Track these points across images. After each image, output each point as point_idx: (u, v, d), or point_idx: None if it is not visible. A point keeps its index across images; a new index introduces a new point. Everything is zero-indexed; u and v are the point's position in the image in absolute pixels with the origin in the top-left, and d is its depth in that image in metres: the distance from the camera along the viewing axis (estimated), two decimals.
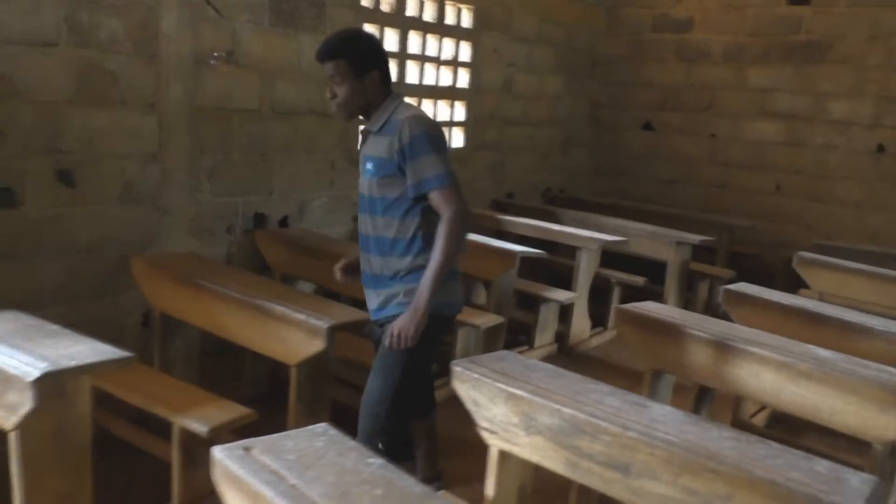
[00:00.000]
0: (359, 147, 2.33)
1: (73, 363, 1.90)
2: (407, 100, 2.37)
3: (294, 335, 2.57)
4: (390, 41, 4.50)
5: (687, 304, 4.97)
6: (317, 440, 1.68)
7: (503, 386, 1.99)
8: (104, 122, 3.10)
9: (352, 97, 2.20)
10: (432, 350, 2.45)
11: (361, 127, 2.30)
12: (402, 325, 2.21)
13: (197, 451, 2.42)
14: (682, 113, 6.31)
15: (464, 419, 2.13)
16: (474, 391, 2.06)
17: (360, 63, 2.18)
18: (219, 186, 3.61)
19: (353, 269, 2.49)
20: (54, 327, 2.21)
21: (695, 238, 4.76)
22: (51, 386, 1.85)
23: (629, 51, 6.50)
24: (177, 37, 3.32)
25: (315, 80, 3.95)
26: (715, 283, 4.99)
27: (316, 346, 2.55)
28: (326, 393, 2.72)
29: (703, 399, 2.93)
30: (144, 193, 3.30)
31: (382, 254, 2.29)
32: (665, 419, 1.85)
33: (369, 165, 2.25)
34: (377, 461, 1.60)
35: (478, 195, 5.37)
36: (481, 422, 2.07)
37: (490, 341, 3.73)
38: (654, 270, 4.90)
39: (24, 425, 1.90)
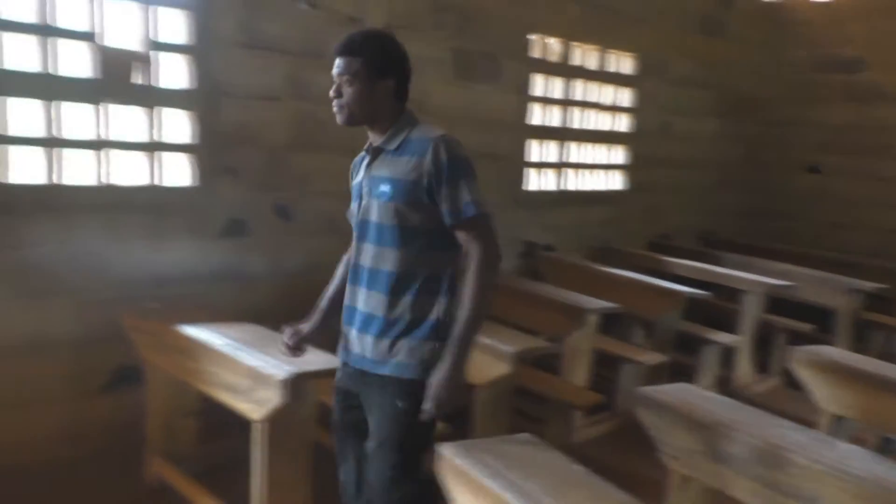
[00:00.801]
0: (360, 167, 2.03)
1: (311, 368, 2.26)
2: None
3: (482, 359, 2.83)
4: (557, 89, 4.78)
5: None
6: (525, 446, 1.91)
7: (688, 414, 2.13)
8: (315, 164, 3.56)
9: (359, 101, 1.89)
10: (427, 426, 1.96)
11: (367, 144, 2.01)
12: (440, 396, 1.85)
13: None
14: (849, 154, 6.11)
15: (630, 451, 2.26)
16: (658, 418, 2.22)
17: (378, 67, 1.89)
18: None
19: (302, 341, 2.14)
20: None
21: (869, 285, 4.60)
22: (295, 386, 2.21)
23: (791, 91, 6.40)
24: None
25: (487, 125, 4.29)
26: (892, 335, 4.78)
27: (501, 369, 2.79)
28: (506, 413, 2.96)
29: (886, 449, 2.89)
30: (344, 226, 3.71)
31: (380, 290, 1.93)
32: (853, 456, 1.92)
33: (384, 188, 1.90)
34: (580, 468, 1.81)
35: (633, 236, 5.48)
36: (663, 447, 2.21)
37: (652, 380, 3.82)
38: (819, 318, 4.78)
39: (270, 418, 2.27)
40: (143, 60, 2.98)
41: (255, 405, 2.28)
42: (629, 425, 3.67)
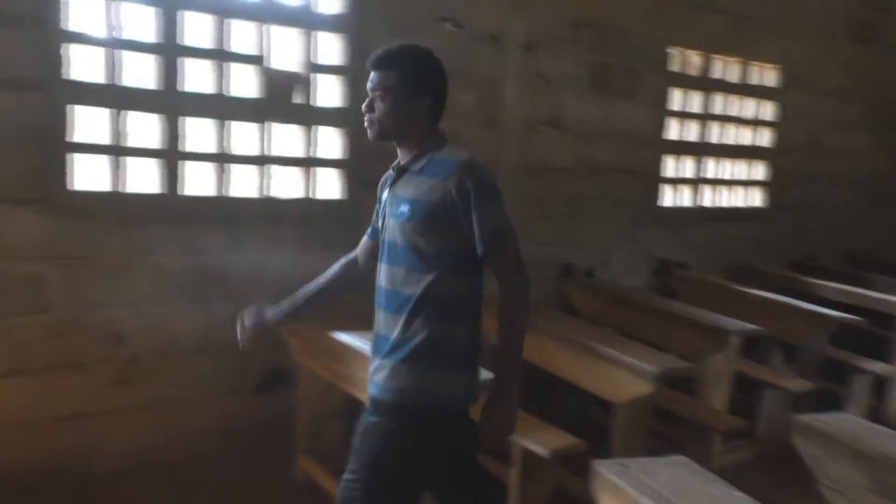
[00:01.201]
0: (386, 185, 1.96)
1: None
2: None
3: (623, 376, 2.80)
4: (695, 103, 4.66)
5: None
6: (679, 468, 1.88)
7: (854, 446, 2.02)
8: None
9: (391, 116, 1.82)
10: (433, 458, 1.88)
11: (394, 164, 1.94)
12: (495, 422, 1.85)
13: (534, 470, 2.73)
14: None
15: (776, 481, 2.16)
16: (819, 448, 2.11)
17: (413, 82, 1.82)
18: (537, 238, 4.01)
19: (260, 326, 2.14)
20: None
21: None
22: None
23: None
24: (514, 106, 3.81)
25: (623, 140, 4.25)
26: None
27: (643, 388, 2.76)
28: (643, 433, 2.91)
29: None
30: None
31: (393, 312, 1.86)
32: None
33: (404, 208, 1.83)
34: (740, 494, 1.76)
35: (773, 255, 5.23)
36: (823, 480, 2.11)
37: (798, 407, 3.62)
38: None
39: None
40: (303, 81, 3.18)
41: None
42: (772, 453, 3.52)
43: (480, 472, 2.04)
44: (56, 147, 2.66)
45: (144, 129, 2.89)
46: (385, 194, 1.95)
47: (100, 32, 2.73)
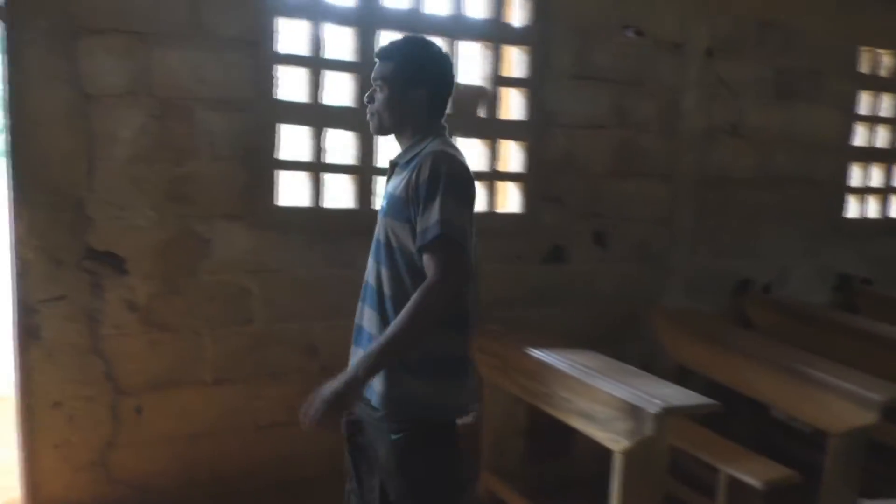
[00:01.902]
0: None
1: (681, 403, 2.22)
2: (454, 140, 1.89)
3: (839, 404, 2.60)
4: (886, 107, 4.31)
5: None
6: None
7: None
8: (631, 190, 3.55)
9: (385, 108, 1.79)
10: (437, 468, 1.80)
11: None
12: (318, 390, 1.70)
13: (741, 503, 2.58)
14: None
15: None
16: None
17: (409, 74, 1.77)
18: (713, 250, 3.82)
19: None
20: (630, 368, 2.60)
21: None
22: (664, 420, 2.18)
23: None
24: (693, 114, 3.65)
25: (805, 147, 3.99)
26: None
27: (864, 418, 2.54)
28: (859, 468, 2.68)
29: None
30: (654, 253, 3.67)
31: (372, 307, 1.80)
32: None
33: (384, 202, 1.83)
34: None
35: None
36: None
37: None
38: None
39: (632, 451, 2.25)
40: (488, 95, 3.17)
41: (617, 436, 2.28)
42: None
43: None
44: (265, 164, 2.76)
45: (340, 145, 2.97)
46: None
47: (304, 53, 2.81)
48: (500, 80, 3.19)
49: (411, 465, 1.77)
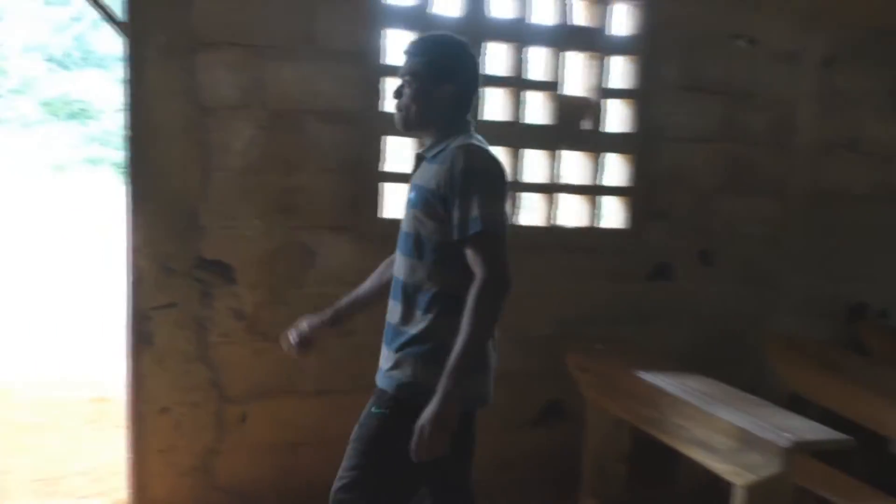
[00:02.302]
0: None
1: (815, 437, 2.07)
2: (480, 137, 1.86)
3: None
4: None
5: None
6: None
7: None
8: (740, 207, 3.38)
9: (413, 104, 1.80)
10: (457, 455, 1.79)
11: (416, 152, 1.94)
12: (423, 425, 1.67)
13: None
14: None
15: None
16: None
17: (438, 70, 1.79)
18: (825, 271, 3.60)
19: (307, 335, 2.12)
20: (749, 395, 2.45)
21: None
22: (793, 455, 2.03)
23: None
24: (808, 127, 3.46)
25: None
26: None
27: None
28: None
29: None
30: (763, 274, 3.48)
31: (397, 300, 1.85)
32: None
33: (412, 195, 1.85)
34: None
35: None
36: None
37: None
38: None
39: (756, 486, 2.11)
40: (593, 107, 3.08)
41: (740, 469, 2.15)
42: None
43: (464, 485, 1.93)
44: (370, 176, 2.75)
45: None
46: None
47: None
48: (606, 92, 3.09)
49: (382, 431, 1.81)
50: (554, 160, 3.04)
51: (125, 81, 2.52)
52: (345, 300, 2.18)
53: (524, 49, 2.94)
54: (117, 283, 2.76)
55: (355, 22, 2.68)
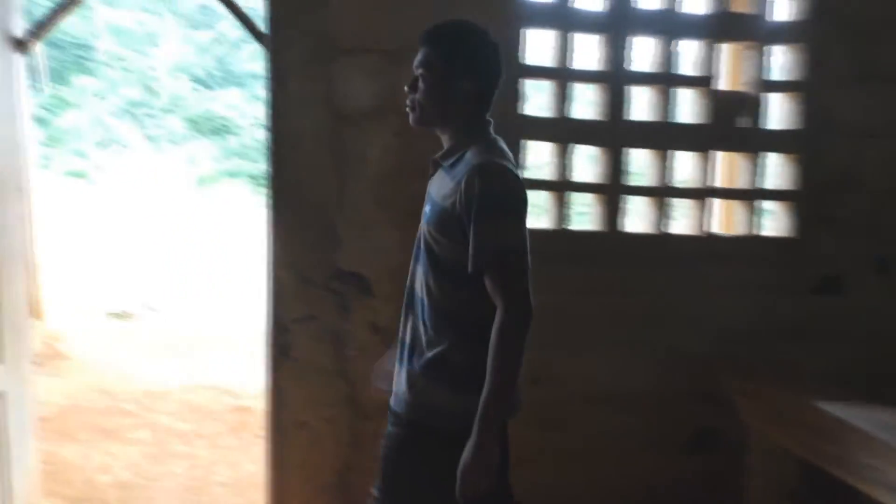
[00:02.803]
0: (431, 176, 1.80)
1: None
2: (501, 143, 1.71)
3: None
4: None
5: None
6: None
7: None
8: None
9: (430, 100, 1.66)
10: (435, 478, 1.69)
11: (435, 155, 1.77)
12: (464, 467, 1.62)
13: None
14: None
15: None
16: None
17: (457, 64, 1.64)
18: None
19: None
20: None
21: None
22: None
23: None
24: None
25: None
26: None
27: None
28: None
29: None
30: None
31: (410, 314, 1.77)
32: None
33: (427, 208, 1.73)
34: None
35: None
36: None
37: None
38: None
39: None
40: (752, 102, 2.79)
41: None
42: None
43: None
44: None
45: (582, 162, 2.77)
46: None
47: (550, 63, 2.64)
48: (766, 85, 2.79)
49: (432, 470, 1.73)
50: (707, 162, 2.78)
51: (266, 93, 2.52)
52: None
53: (674, 42, 2.70)
54: (259, 294, 2.77)
55: (494, 22, 2.53)
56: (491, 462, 1.62)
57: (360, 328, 2.62)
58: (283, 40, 2.50)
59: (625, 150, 2.70)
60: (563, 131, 2.66)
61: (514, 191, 1.63)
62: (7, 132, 2.47)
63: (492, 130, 1.73)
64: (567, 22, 2.60)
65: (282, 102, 2.51)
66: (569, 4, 2.60)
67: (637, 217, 2.82)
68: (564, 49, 2.62)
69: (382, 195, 2.59)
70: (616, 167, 2.69)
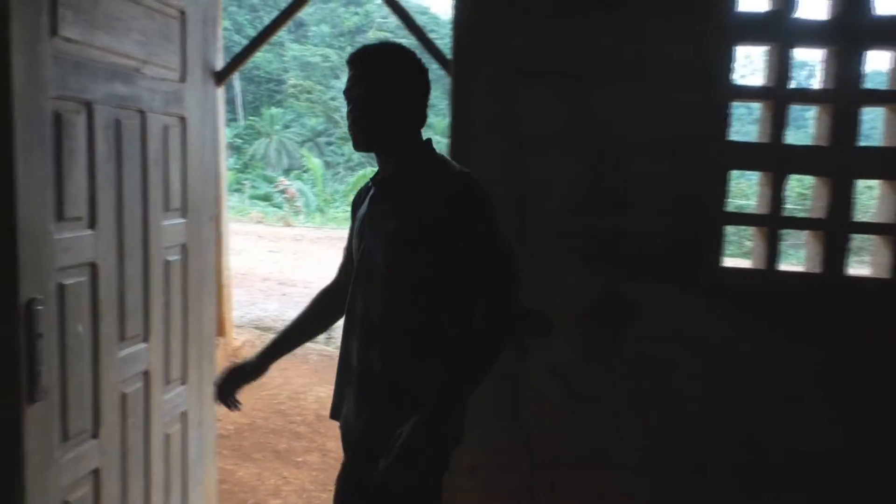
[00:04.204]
0: (360, 202, 1.82)
1: None
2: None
3: None
4: None
5: None
6: None
7: None
8: None
9: (376, 120, 1.67)
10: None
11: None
12: (404, 440, 1.54)
13: None
14: None
15: None
16: None
17: (404, 83, 1.68)
18: None
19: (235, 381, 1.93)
20: None
21: None
22: None
23: None
24: None
25: None
26: None
27: None
28: None
29: None
30: None
31: (366, 340, 1.69)
32: None
33: (391, 224, 1.65)
34: None
35: None
36: None
37: None
38: None
39: None
40: None
41: None
42: None
43: None
44: (711, 217, 2.33)
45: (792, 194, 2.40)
46: (362, 211, 1.79)
47: (761, 83, 2.33)
48: None
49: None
50: None
51: (449, 120, 2.43)
52: (277, 338, 1.96)
53: None
54: None
55: (698, 39, 2.29)
56: (431, 446, 1.56)
57: (537, 370, 2.44)
58: (466, 65, 2.40)
59: (852, 180, 2.31)
60: (777, 159, 2.32)
61: (490, 200, 1.68)
62: (208, 159, 2.56)
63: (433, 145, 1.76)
64: (785, 34, 2.28)
65: (462, 129, 2.40)
66: (789, 14, 2.28)
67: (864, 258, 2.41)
68: (782, 65, 2.30)
69: (566, 229, 2.40)
70: (842, 199, 2.31)
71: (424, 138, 1.73)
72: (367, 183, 1.82)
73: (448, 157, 1.77)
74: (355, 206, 1.88)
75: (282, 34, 24.61)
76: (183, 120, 2.39)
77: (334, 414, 1.81)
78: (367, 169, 20.41)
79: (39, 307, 1.67)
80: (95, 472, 1.96)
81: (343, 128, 21.38)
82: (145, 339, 2.19)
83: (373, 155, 1.77)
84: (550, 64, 2.38)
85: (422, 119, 1.72)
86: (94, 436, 1.95)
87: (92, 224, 1.92)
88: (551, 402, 2.46)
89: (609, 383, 2.46)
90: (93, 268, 1.93)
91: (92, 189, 1.92)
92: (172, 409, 2.36)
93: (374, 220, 1.72)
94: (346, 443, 1.81)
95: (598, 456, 2.48)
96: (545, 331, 2.40)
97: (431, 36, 2.74)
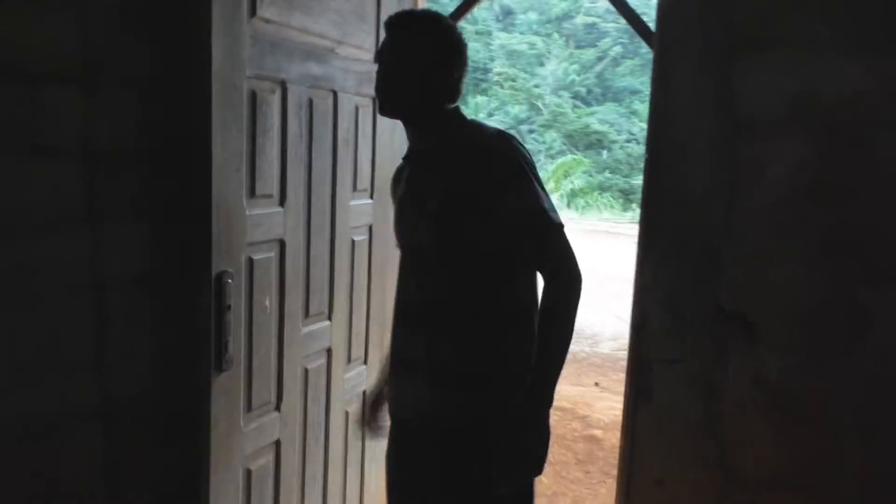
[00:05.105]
0: (399, 178, 1.75)
1: None
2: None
3: None
4: None
5: None
6: None
7: None
8: None
9: (409, 83, 1.60)
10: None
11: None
12: (518, 450, 1.55)
13: None
14: None
15: None
16: None
17: (441, 52, 1.61)
18: None
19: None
20: None
21: None
22: None
23: None
24: None
25: None
26: None
27: None
28: None
29: None
30: None
31: (441, 332, 1.60)
32: None
33: (431, 205, 1.57)
34: None
35: None
36: None
37: None
38: None
39: None
40: None
41: None
42: None
43: None
44: None
45: None
46: (400, 192, 1.75)
47: None
48: None
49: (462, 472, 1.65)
50: None
51: (650, 99, 2.21)
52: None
53: None
54: (618, 318, 2.47)
55: None
56: (537, 452, 1.57)
57: (739, 380, 2.15)
58: (673, 38, 2.15)
59: None
60: None
61: (528, 158, 1.61)
62: (397, 141, 2.56)
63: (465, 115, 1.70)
64: None
65: (668, 108, 2.16)
66: None
67: None
68: None
69: (785, 221, 2.07)
70: None
71: (460, 110, 1.69)
72: (402, 162, 1.79)
73: (482, 122, 1.70)
74: (394, 189, 1.85)
75: (490, 23, 24.93)
76: (374, 101, 2.40)
77: (393, 406, 1.78)
78: (568, 156, 20.10)
79: (230, 280, 1.74)
80: (276, 444, 2.03)
81: (545, 115, 21.25)
82: (329, 317, 2.24)
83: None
84: (776, 31, 2.06)
85: (453, 93, 1.66)
86: (277, 408, 2.02)
87: (282, 201, 1.98)
88: (755, 416, 2.16)
89: (827, 402, 2.11)
90: (281, 244, 1.98)
91: (283, 167, 1.97)
92: (352, 387, 2.40)
93: (413, 202, 1.68)
94: (402, 425, 1.76)
95: (808, 481, 2.15)
96: (751, 336, 2.11)
97: (644, 19, 2.52)
